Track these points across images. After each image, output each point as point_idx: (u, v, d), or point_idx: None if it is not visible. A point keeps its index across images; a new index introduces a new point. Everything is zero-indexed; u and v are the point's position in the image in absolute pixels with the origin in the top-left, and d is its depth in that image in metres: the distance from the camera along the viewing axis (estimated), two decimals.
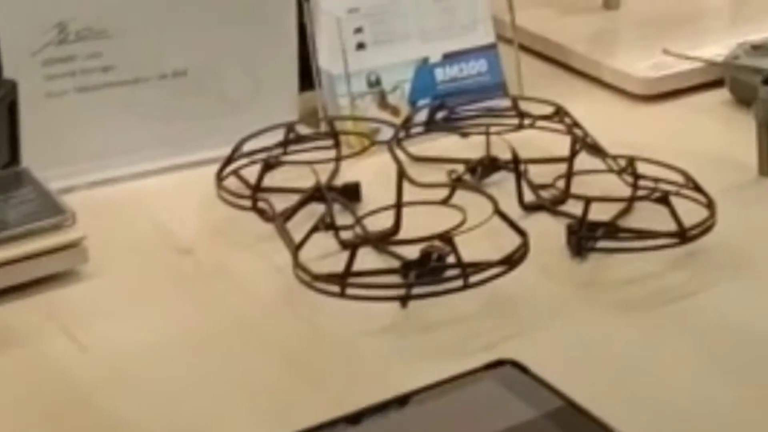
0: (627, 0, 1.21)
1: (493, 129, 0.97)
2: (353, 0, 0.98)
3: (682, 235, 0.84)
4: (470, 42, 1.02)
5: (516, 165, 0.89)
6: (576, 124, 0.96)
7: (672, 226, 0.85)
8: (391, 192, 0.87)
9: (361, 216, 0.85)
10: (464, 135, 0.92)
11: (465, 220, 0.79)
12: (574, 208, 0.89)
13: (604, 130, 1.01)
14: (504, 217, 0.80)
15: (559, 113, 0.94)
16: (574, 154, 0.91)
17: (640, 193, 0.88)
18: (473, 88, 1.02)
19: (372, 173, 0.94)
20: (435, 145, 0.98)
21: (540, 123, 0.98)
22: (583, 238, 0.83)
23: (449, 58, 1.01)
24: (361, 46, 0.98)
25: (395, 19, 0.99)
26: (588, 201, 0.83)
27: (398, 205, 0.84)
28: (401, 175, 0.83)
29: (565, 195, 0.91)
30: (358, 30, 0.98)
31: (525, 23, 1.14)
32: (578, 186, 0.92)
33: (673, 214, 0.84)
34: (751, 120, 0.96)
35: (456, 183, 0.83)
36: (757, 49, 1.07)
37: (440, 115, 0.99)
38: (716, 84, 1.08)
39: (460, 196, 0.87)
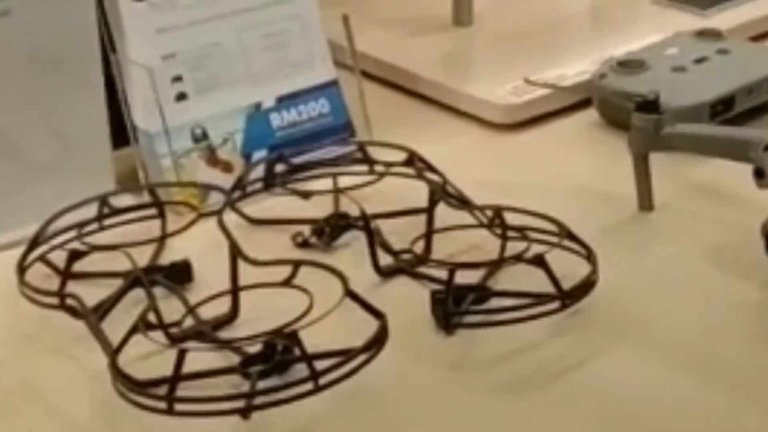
0: (480, 14, 1.10)
1: (340, 181, 0.86)
2: (168, 44, 0.85)
3: (563, 298, 0.74)
4: (307, 81, 0.90)
5: (367, 225, 0.78)
6: (432, 169, 0.84)
7: (550, 285, 0.76)
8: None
9: (193, 306, 0.73)
10: (306, 196, 0.80)
11: (311, 305, 0.68)
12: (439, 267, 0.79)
13: (466, 168, 0.90)
14: (356, 298, 0.69)
15: (413, 159, 0.84)
16: (432, 206, 0.80)
17: (511, 250, 0.77)
18: (316, 133, 0.90)
19: (206, 244, 0.80)
20: (277, 203, 0.86)
21: (395, 169, 0.87)
22: (451, 313, 0.73)
23: (285, 101, 0.89)
24: (181, 96, 0.85)
25: (219, 64, 0.86)
26: (452, 269, 0.72)
27: (234, 290, 0.73)
28: (234, 255, 0.71)
29: (426, 255, 0.80)
30: (177, 78, 0.85)
31: (368, 48, 1.02)
32: (441, 242, 0.82)
33: (551, 275, 0.74)
34: (625, 143, 0.87)
35: (299, 261, 0.71)
36: (624, 65, 0.97)
37: (280, 167, 0.87)
38: (585, 103, 0.98)
39: (308, 271, 0.75)
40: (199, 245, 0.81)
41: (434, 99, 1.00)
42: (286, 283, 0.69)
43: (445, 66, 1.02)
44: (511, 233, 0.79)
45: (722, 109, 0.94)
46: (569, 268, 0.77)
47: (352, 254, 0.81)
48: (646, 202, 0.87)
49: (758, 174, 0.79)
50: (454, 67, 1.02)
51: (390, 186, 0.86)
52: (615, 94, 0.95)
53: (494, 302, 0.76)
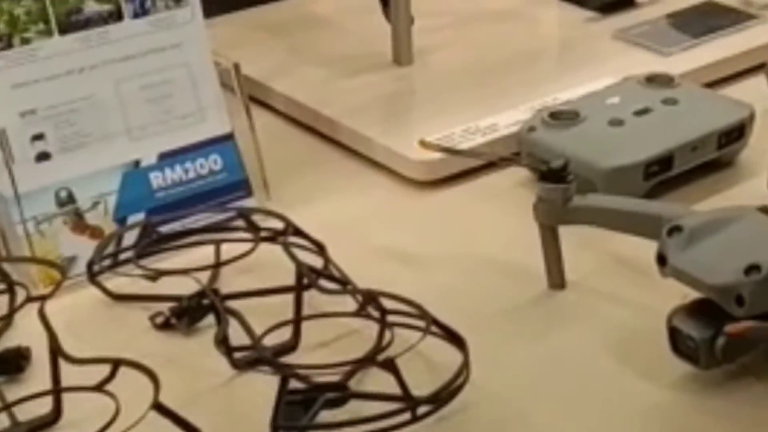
0: (425, 49, 1.01)
1: (224, 247, 0.78)
2: (27, 100, 0.77)
3: (412, 408, 0.64)
4: (196, 135, 0.82)
5: (214, 307, 0.70)
6: (311, 241, 0.76)
7: (427, 381, 0.67)
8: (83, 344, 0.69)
9: (10, 403, 0.66)
10: (153, 279, 0.72)
11: (116, 414, 0.60)
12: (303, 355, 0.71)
13: (370, 230, 0.83)
14: (164, 410, 0.60)
15: (287, 229, 0.76)
16: (300, 289, 0.73)
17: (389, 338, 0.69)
18: (206, 192, 0.82)
19: (60, 324, 0.72)
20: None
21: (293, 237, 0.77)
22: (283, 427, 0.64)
23: (168, 158, 0.81)
24: (43, 156, 0.77)
25: (90, 119, 0.78)
26: (284, 378, 0.63)
27: (55, 391, 0.66)
28: (54, 351, 0.64)
29: (294, 341, 0.72)
30: (38, 137, 0.77)
31: (294, 90, 0.95)
32: (318, 325, 0.74)
33: (400, 381, 0.65)
34: None
35: (118, 361, 0.63)
36: (556, 117, 0.88)
37: (160, 233, 0.80)
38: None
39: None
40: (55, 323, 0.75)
41: (353, 149, 0.93)
42: (99, 387, 0.62)
43: (369, 112, 0.93)
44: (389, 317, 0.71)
45: (658, 169, 0.84)
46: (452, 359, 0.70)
47: (208, 341, 0.73)
48: (555, 279, 0.78)
49: (660, 260, 0.71)
50: (379, 114, 0.94)
51: (274, 256, 0.79)
52: (542, 147, 0.87)
53: (353, 405, 0.68)
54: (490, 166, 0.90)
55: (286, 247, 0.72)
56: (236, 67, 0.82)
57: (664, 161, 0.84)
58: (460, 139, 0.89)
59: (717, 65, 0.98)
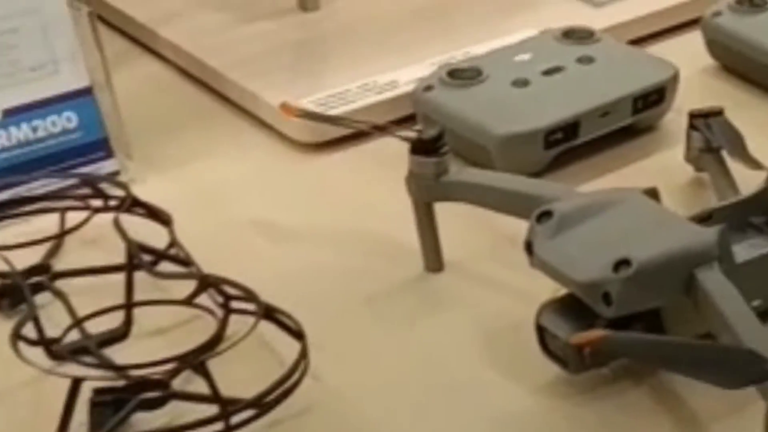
0: None
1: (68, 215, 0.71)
2: None
3: (226, 417, 0.56)
4: (47, 90, 0.73)
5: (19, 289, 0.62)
6: (155, 215, 0.68)
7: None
8: None
9: None
10: None
11: None
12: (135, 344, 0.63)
13: (239, 200, 0.75)
14: None
15: (125, 200, 0.68)
16: (131, 269, 0.65)
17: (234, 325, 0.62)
18: (59, 153, 0.74)
19: None
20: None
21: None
22: None
23: (14, 114, 0.73)
24: None
25: None
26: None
27: None
28: None
29: (126, 329, 0.65)
30: None
31: (183, 38, 0.86)
32: (150, 313, 0.66)
33: (211, 384, 0.57)
34: None
35: None
36: (455, 76, 0.79)
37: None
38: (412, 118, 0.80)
39: None
40: None
41: (240, 105, 0.84)
42: None
43: (261, 64, 0.84)
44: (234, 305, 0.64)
45: (562, 137, 0.75)
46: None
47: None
48: (431, 261, 0.69)
49: (528, 249, 0.62)
50: (271, 67, 0.84)
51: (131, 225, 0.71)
52: (439, 109, 0.78)
53: (173, 407, 0.61)
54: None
55: (117, 220, 0.65)
56: (91, 15, 0.74)
57: (569, 128, 0.75)
58: (354, 97, 0.81)
59: (650, 18, 0.88)
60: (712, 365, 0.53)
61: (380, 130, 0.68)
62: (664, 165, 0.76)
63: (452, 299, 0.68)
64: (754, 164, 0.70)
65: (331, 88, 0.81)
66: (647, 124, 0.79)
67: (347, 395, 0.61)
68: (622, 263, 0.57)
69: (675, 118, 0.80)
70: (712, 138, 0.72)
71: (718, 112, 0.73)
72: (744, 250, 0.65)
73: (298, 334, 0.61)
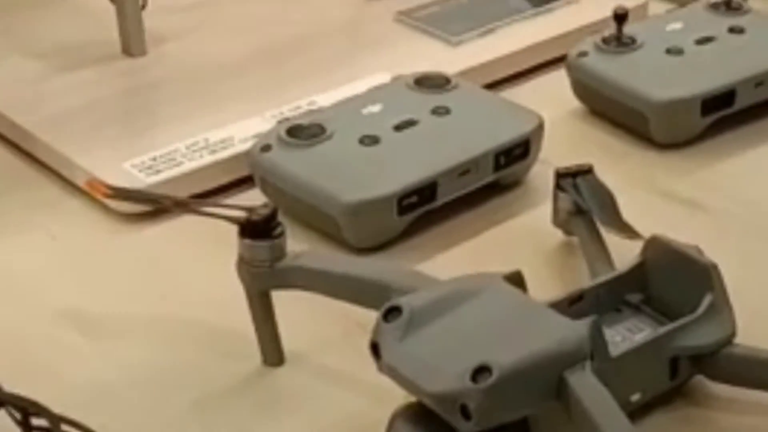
0: (163, 37, 0.82)
1: None
2: None
3: None
4: None
5: None
6: None
7: None
8: None
9: None
10: None
11: None
12: None
13: (50, 284, 0.65)
14: None
15: None
16: None
17: None
18: None
19: None
20: None
21: None
22: None
23: None
24: None
25: None
26: None
27: None
28: None
29: None
30: None
31: None
32: None
33: None
34: None
35: None
36: (295, 135, 0.70)
37: None
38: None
39: None
40: None
41: (54, 169, 0.74)
42: None
43: (77, 121, 0.74)
44: None
45: (418, 201, 0.66)
46: None
47: None
48: (271, 354, 0.60)
49: (374, 351, 0.53)
50: (88, 124, 0.74)
51: None
52: (279, 178, 0.69)
53: None
54: (225, 189, 0.74)
55: None
56: None
57: (425, 190, 0.67)
58: (184, 158, 0.72)
59: (512, 57, 0.80)
60: None
61: (184, 206, 0.59)
62: (532, 227, 0.68)
63: (294, 400, 0.59)
64: (628, 232, 0.62)
65: (159, 148, 0.72)
66: (512, 180, 0.71)
67: None
68: (481, 371, 0.49)
69: (542, 171, 0.72)
70: (581, 200, 0.65)
71: (586, 171, 0.66)
72: (619, 335, 0.58)
73: None
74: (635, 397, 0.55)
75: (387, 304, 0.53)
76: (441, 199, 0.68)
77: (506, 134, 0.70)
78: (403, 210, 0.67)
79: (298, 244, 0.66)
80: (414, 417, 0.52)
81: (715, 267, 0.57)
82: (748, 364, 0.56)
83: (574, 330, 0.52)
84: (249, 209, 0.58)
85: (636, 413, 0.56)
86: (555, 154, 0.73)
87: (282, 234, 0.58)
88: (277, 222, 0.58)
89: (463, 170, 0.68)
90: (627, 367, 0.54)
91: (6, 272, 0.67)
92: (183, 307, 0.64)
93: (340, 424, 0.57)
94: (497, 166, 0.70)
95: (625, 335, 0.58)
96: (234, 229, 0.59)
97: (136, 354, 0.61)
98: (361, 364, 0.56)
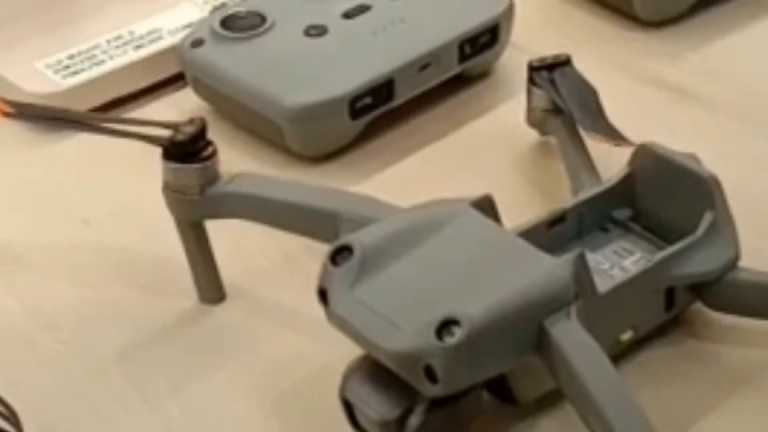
0: None
1: None
2: None
3: None
4: None
5: None
6: None
7: None
8: None
9: None
10: None
11: None
12: None
13: None
14: None
15: None
16: None
17: None
18: None
19: None
20: None
21: None
22: None
23: None
24: None
25: None
26: None
27: None
28: None
29: None
30: None
31: None
32: None
33: None
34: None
35: None
36: (231, 26, 0.59)
37: None
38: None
39: None
40: None
41: None
42: None
43: None
44: None
45: (372, 102, 0.58)
46: None
47: None
48: (206, 290, 0.52)
49: (322, 298, 0.45)
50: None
51: None
52: (213, 77, 0.61)
53: None
54: (152, 89, 0.66)
55: None
56: None
57: (380, 89, 0.58)
58: (104, 57, 0.63)
59: None
60: None
61: (82, 125, 0.50)
62: (502, 126, 0.60)
63: (234, 343, 0.51)
64: (614, 137, 0.54)
65: (77, 44, 0.63)
66: (479, 71, 0.62)
67: None
68: (447, 324, 0.42)
69: (513, 58, 0.63)
70: (558, 98, 0.56)
71: (564, 62, 0.58)
72: (606, 261, 0.50)
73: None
74: (626, 336, 0.47)
75: (336, 243, 0.45)
76: (399, 99, 0.59)
77: (472, 19, 0.61)
78: (356, 113, 0.58)
79: (238, 155, 0.59)
80: (369, 373, 0.44)
81: (715, 180, 0.49)
82: (756, 291, 0.48)
83: (557, 269, 0.44)
84: (173, 126, 0.50)
85: (626, 349, 0.49)
86: (527, 38, 0.64)
87: (213, 155, 0.49)
88: (207, 141, 0.50)
89: (424, 64, 0.59)
90: (617, 303, 0.46)
91: None
92: (108, 235, 0.56)
93: (286, 368, 0.49)
94: (462, 57, 0.61)
95: (613, 261, 0.50)
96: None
97: (52, 291, 0.53)
98: (309, 298, 0.49)
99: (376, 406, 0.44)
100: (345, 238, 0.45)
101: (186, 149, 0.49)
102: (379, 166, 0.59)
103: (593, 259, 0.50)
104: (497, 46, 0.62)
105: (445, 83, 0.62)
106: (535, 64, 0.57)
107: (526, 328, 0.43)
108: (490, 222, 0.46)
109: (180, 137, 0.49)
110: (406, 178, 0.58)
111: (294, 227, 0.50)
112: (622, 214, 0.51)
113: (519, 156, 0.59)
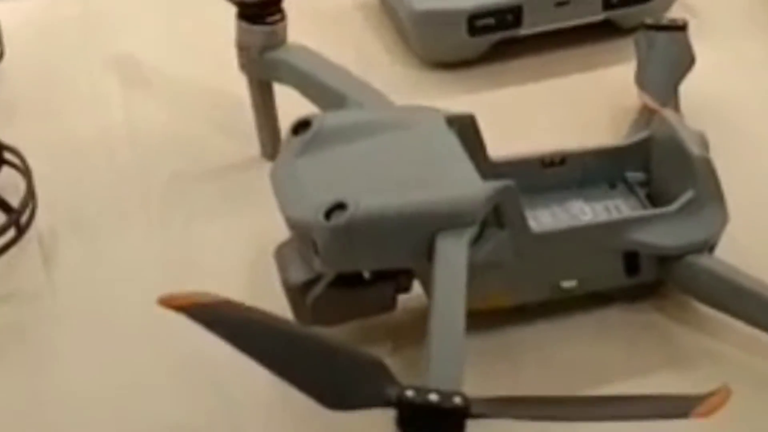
0: None
1: None
2: None
3: None
4: None
5: None
6: None
7: None
8: None
9: None
10: None
11: None
12: None
13: None
14: None
15: None
16: None
17: None
18: None
19: None
20: None
21: None
22: None
23: None
24: None
25: None
26: None
27: None
28: None
29: None
30: None
31: None
32: None
33: None
34: None
35: None
36: None
37: None
38: None
39: None
40: None
41: None
42: None
43: None
44: None
45: (495, 24, 0.60)
46: None
47: None
48: (268, 147, 0.57)
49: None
50: None
51: None
52: None
53: None
54: None
55: None
56: None
57: (505, 14, 0.60)
58: None
59: None
60: (331, 371, 0.39)
61: None
62: (623, 82, 0.60)
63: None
64: (665, 104, 0.53)
65: None
66: (631, 23, 0.62)
67: None
68: (338, 207, 0.45)
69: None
70: (641, 55, 0.56)
71: (678, 27, 0.57)
72: (591, 212, 0.50)
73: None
74: (568, 284, 0.48)
75: (299, 118, 0.48)
76: (527, 28, 0.61)
77: None
78: (475, 30, 0.60)
79: (378, 46, 0.64)
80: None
81: (706, 160, 0.48)
82: (707, 277, 0.47)
83: (473, 192, 0.45)
84: None
85: (588, 303, 0.49)
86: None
87: (277, 22, 0.54)
88: (278, 8, 0.54)
89: (561, 0, 0.61)
90: (557, 248, 0.47)
91: None
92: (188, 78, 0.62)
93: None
94: (607, 4, 0.61)
95: (598, 214, 0.50)
96: None
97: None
98: None
99: (289, 271, 0.47)
100: (310, 115, 0.48)
101: (253, 11, 0.54)
102: (490, 87, 0.61)
103: (578, 206, 0.50)
104: (654, 2, 0.62)
105: (592, 27, 0.63)
106: (648, 22, 0.57)
107: (419, 235, 0.44)
108: (450, 136, 0.48)
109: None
110: (507, 107, 0.60)
111: (313, 98, 0.53)
112: (635, 177, 0.51)
113: (619, 114, 0.59)
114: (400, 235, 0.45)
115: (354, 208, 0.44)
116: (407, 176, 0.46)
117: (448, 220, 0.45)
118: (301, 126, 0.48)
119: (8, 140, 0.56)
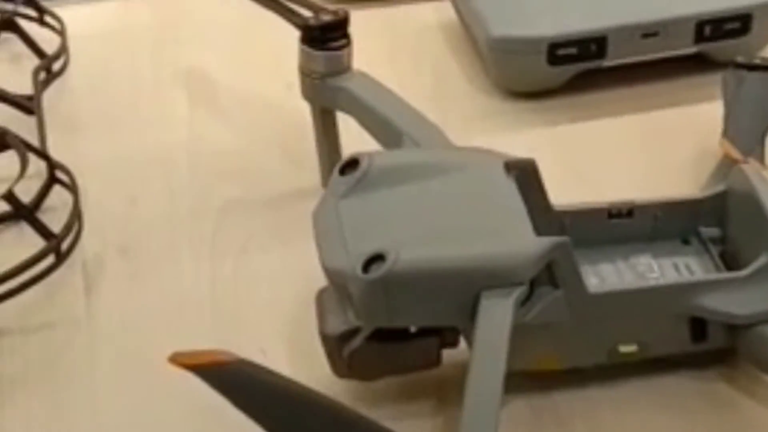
0: None
1: None
2: None
3: None
4: None
5: None
6: None
7: None
8: None
9: None
10: None
11: None
12: None
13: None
14: None
15: None
16: None
17: None
18: None
19: None
20: None
21: None
22: None
23: None
24: None
25: None
26: None
27: None
28: None
29: None
30: None
31: None
32: None
33: None
34: None
35: None
36: None
37: None
38: None
39: None
40: None
41: None
42: None
43: None
44: None
45: (578, 54, 0.56)
46: None
47: None
48: (329, 177, 0.54)
49: None
50: None
51: None
52: None
53: None
54: None
55: None
56: None
57: (590, 44, 0.57)
58: None
59: None
60: None
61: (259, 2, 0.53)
62: (712, 122, 0.57)
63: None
64: (748, 154, 0.50)
65: None
66: (725, 57, 0.58)
67: None
68: (377, 259, 0.42)
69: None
70: (729, 96, 0.52)
71: (764, 66, 0.53)
72: (659, 270, 0.47)
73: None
74: (626, 348, 0.44)
75: (346, 158, 0.46)
76: (612, 59, 0.57)
77: (719, 1, 0.57)
78: (556, 59, 0.57)
79: (454, 67, 0.61)
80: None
81: None
82: None
83: (524, 247, 0.42)
84: (316, 9, 0.52)
85: (647, 369, 0.45)
86: None
87: (344, 47, 0.51)
88: (343, 33, 0.52)
89: (649, 32, 0.57)
90: (615, 310, 0.44)
91: None
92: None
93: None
94: (700, 37, 0.58)
95: (666, 272, 0.47)
96: None
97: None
98: None
99: (326, 320, 0.45)
100: (359, 154, 0.46)
101: (315, 35, 0.51)
102: (568, 120, 0.58)
103: (645, 262, 0.47)
104: (750, 36, 0.58)
105: (682, 60, 0.59)
106: (739, 60, 0.53)
107: (461, 293, 0.42)
108: (507, 183, 0.44)
109: (313, 22, 0.51)
110: (584, 141, 0.57)
111: (371, 131, 0.50)
112: (709, 232, 0.48)
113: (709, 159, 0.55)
114: (441, 292, 0.42)
115: (392, 262, 0.41)
116: (455, 226, 0.43)
117: (495, 279, 0.42)
118: (349, 165, 0.46)
119: (64, 156, 0.56)
